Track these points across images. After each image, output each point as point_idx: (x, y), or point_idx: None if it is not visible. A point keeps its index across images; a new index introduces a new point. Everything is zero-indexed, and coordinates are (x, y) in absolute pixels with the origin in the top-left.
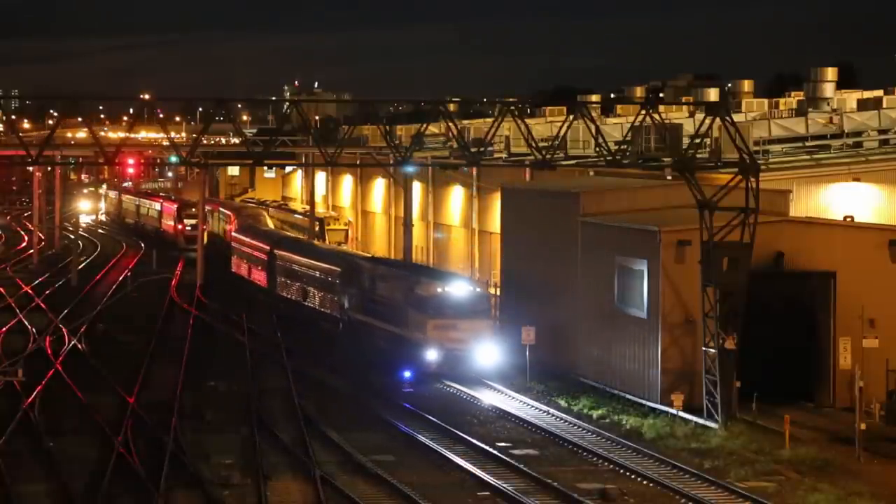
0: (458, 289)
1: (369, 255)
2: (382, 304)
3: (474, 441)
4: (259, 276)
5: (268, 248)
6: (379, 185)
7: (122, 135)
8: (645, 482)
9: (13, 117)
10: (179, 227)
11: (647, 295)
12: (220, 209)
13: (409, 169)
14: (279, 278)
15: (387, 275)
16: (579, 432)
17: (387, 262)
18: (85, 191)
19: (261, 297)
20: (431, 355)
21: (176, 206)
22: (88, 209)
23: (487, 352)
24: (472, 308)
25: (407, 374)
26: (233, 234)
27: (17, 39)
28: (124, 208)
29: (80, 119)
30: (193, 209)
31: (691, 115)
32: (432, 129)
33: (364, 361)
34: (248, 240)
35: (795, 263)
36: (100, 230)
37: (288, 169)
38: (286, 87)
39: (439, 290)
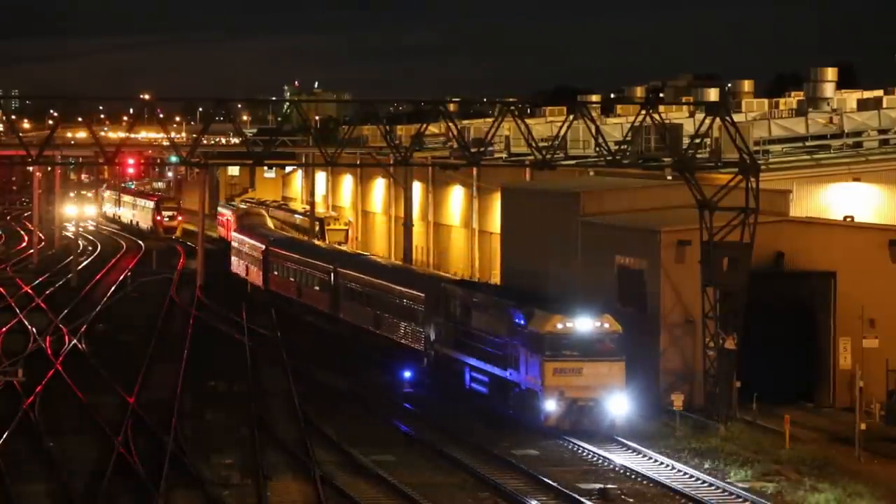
0: (584, 323)
1: (459, 279)
2: (481, 339)
3: None
4: (316, 298)
5: (330, 267)
6: (379, 185)
7: (122, 135)
8: (645, 482)
9: (13, 117)
10: (158, 218)
11: (647, 295)
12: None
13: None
14: (344, 302)
15: (486, 303)
16: None
17: (485, 288)
18: (72, 193)
19: (321, 321)
20: (550, 406)
21: (154, 200)
22: (76, 216)
23: (619, 402)
24: (601, 347)
25: (407, 374)
26: (270, 247)
27: (17, 39)
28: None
29: (80, 119)
30: (170, 203)
31: (691, 115)
32: (432, 129)
33: (462, 408)
34: (294, 255)
35: (795, 263)
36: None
37: (288, 169)
38: (286, 87)
39: (559, 324)
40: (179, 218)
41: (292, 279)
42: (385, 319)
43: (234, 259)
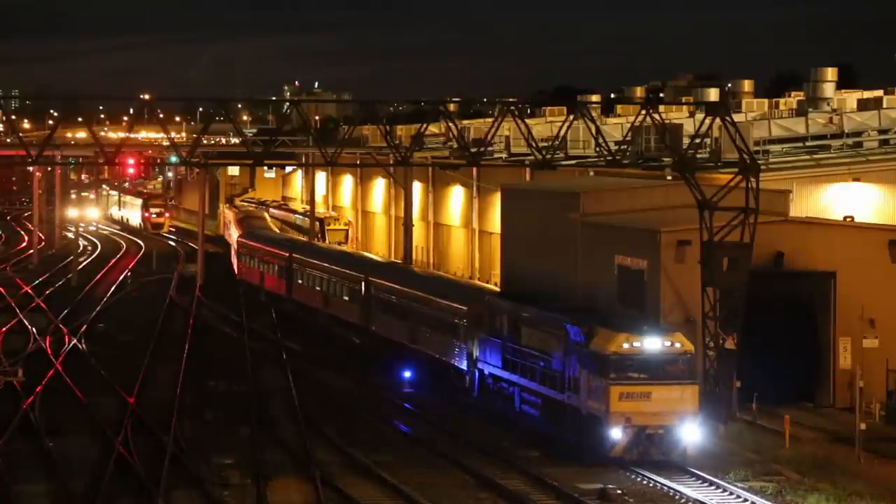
0: (652, 342)
1: (505, 291)
2: (533, 358)
3: None
4: (345, 308)
5: (361, 276)
6: (379, 185)
7: (122, 135)
8: (645, 482)
9: (13, 117)
10: (146, 214)
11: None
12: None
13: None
14: (376, 313)
15: (539, 319)
16: None
17: (535, 301)
18: (73, 194)
19: (351, 334)
20: (615, 435)
21: (142, 198)
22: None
23: (691, 430)
24: (672, 369)
25: (407, 373)
26: (294, 254)
27: (17, 39)
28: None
29: (80, 119)
30: (157, 201)
31: (691, 115)
32: (432, 129)
33: (512, 431)
34: (322, 263)
35: (795, 263)
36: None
37: (288, 169)
38: (286, 87)
39: (625, 343)
40: (166, 215)
41: (318, 288)
42: (422, 334)
43: (241, 264)
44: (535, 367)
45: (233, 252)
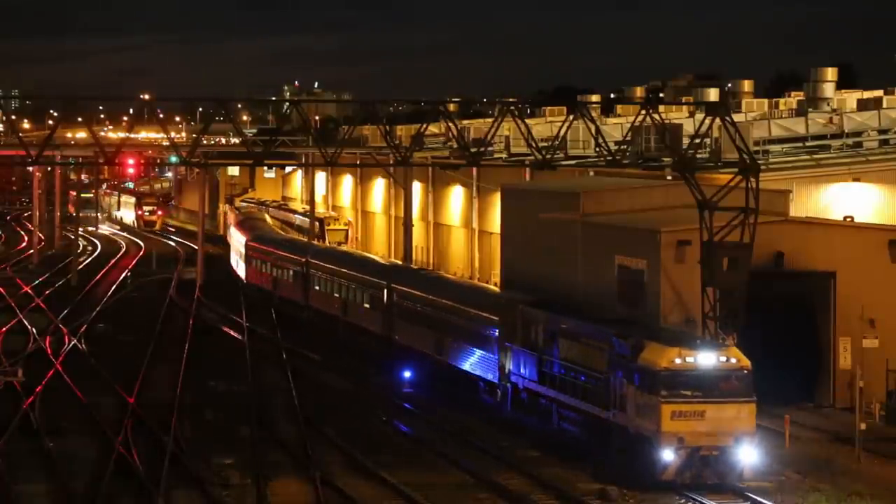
0: (707, 357)
1: (536, 299)
2: (573, 372)
3: None
4: (366, 317)
5: (384, 283)
6: (379, 185)
7: (122, 135)
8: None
9: (13, 117)
10: (139, 212)
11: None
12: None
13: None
14: (400, 322)
15: (579, 331)
16: None
17: (574, 311)
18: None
19: (373, 343)
20: (667, 456)
21: (135, 196)
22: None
23: (748, 451)
24: (728, 386)
25: (407, 373)
26: (311, 259)
27: (17, 39)
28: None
29: (80, 119)
30: (150, 199)
31: (691, 115)
32: (432, 129)
33: (552, 449)
34: (341, 269)
35: (795, 263)
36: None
37: (288, 169)
38: (286, 87)
39: (677, 358)
40: (159, 213)
41: (337, 295)
42: (450, 344)
43: (252, 268)
44: (576, 382)
45: (233, 253)
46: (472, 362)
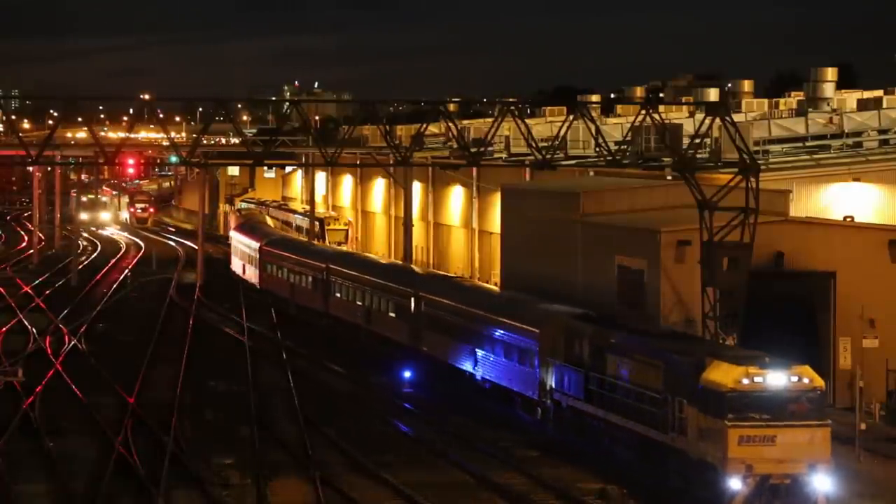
0: (776, 377)
1: (583, 312)
2: (624, 391)
3: None
4: (391, 326)
5: (411, 291)
6: (379, 185)
7: (122, 135)
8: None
9: (13, 117)
10: (132, 210)
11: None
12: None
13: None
14: (428, 333)
15: (631, 346)
16: None
17: (623, 324)
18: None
19: (396, 352)
20: (734, 485)
21: (129, 194)
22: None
23: (822, 479)
24: (800, 409)
25: (407, 373)
26: (331, 265)
27: (17, 39)
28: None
29: (80, 119)
30: (143, 197)
31: (691, 115)
32: (432, 129)
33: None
34: (364, 276)
35: (795, 263)
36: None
37: (288, 169)
38: (286, 87)
39: (744, 378)
40: (151, 210)
41: (360, 303)
42: (484, 358)
43: (266, 273)
44: (628, 402)
45: (235, 257)
46: (509, 377)
